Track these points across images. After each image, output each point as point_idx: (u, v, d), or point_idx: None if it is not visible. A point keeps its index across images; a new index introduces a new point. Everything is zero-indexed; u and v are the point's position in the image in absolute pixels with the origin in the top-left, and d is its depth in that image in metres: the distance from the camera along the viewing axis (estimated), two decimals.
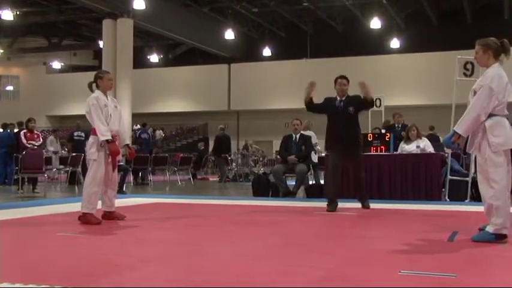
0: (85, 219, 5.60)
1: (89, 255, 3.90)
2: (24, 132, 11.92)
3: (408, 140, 9.36)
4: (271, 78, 28.17)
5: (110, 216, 5.94)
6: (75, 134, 14.80)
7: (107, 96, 5.84)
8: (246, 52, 29.59)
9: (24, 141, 11.75)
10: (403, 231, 5.20)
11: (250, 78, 28.48)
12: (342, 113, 7.42)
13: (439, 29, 25.93)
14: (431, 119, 18.74)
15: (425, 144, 9.29)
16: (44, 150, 12.88)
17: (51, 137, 16.65)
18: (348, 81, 7.62)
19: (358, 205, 7.50)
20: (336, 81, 7.68)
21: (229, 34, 26.04)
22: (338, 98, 7.58)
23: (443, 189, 8.74)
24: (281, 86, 27.86)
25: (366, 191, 7.65)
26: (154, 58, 31.01)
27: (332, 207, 7.10)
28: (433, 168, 8.78)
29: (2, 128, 14.60)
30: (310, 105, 7.68)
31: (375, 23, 24.13)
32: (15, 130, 14.01)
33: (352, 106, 7.44)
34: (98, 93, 5.82)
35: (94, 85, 5.90)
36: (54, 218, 6.31)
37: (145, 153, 15.13)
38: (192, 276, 3.21)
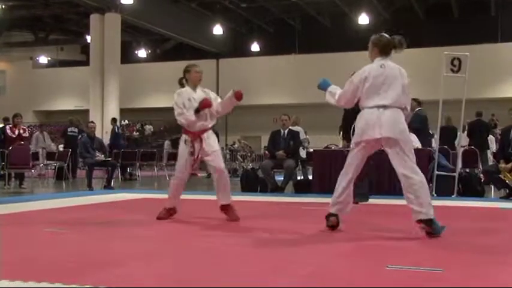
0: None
1: (75, 252, 3.85)
2: (10, 127, 11.72)
3: None
4: (259, 73, 28.13)
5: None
6: (69, 129, 14.70)
7: (195, 90, 5.55)
8: (234, 47, 29.53)
9: (10, 132, 11.52)
10: (390, 226, 5.19)
11: (239, 73, 28.36)
12: None
13: (426, 25, 26.06)
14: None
15: (412, 140, 9.01)
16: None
17: (36, 133, 16.27)
18: None
19: None
20: None
21: (218, 29, 26.04)
22: None
23: (431, 184, 8.72)
24: (269, 82, 27.84)
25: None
26: (142, 53, 30.94)
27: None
28: (420, 164, 8.15)
29: None
30: None
31: (363, 19, 24.20)
32: (0, 125, 13.66)
33: None
34: (185, 88, 5.58)
35: (184, 80, 5.66)
36: (41, 214, 6.26)
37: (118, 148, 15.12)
38: (178, 274, 3.20)
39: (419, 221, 4.34)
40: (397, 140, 4.38)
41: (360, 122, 4.51)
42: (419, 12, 25.89)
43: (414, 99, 11.20)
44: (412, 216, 4.41)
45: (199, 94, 5.48)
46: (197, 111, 5.36)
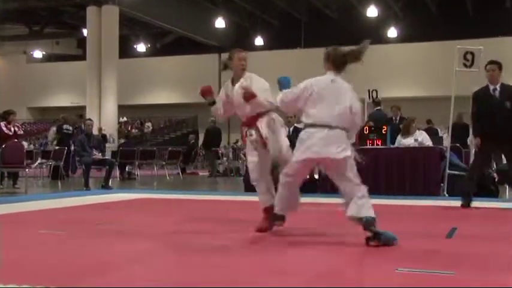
0: None
1: (71, 254, 3.80)
2: (5, 124, 11.48)
3: (406, 134, 9.19)
4: (263, 68, 26.76)
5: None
6: (64, 127, 14.55)
7: (237, 80, 4.82)
8: (237, 41, 28.76)
9: (6, 130, 11.15)
10: (400, 228, 4.99)
11: None
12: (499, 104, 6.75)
13: (438, 18, 25.39)
14: (429, 111, 18.25)
15: (423, 138, 9.21)
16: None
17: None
18: (500, 66, 6.90)
19: None
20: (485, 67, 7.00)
21: (220, 22, 25.64)
22: (491, 87, 6.84)
23: (442, 184, 8.67)
24: (274, 77, 26.62)
25: None
26: (141, 47, 30.55)
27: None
28: (432, 162, 8.70)
29: None
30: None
31: (372, 11, 23.72)
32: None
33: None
34: (229, 81, 4.91)
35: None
36: (35, 215, 6.13)
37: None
38: (179, 276, 3.18)
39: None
40: (334, 160, 4.18)
41: (302, 139, 4.26)
42: (431, 5, 25.16)
43: (373, 100, 11.50)
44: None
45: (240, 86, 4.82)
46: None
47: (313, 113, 4.21)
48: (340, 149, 4.14)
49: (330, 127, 4.15)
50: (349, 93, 4.29)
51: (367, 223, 3.99)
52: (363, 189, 4.21)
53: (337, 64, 4.33)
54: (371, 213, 4.05)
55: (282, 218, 4.57)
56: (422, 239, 4.46)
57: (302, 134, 4.27)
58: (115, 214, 6.22)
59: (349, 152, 4.21)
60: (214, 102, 4.99)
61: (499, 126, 6.57)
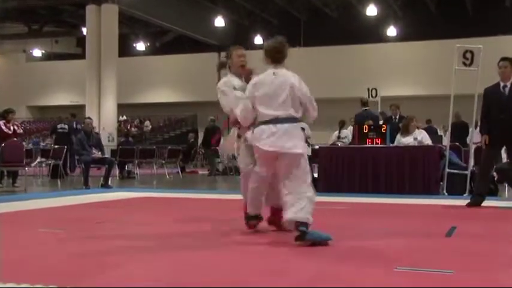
0: None
1: (71, 253, 3.77)
2: (4, 123, 11.47)
3: (406, 132, 9.21)
4: (263, 67, 27.27)
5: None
6: (59, 126, 14.56)
7: (241, 78, 4.70)
8: (237, 40, 28.59)
9: (5, 128, 11.14)
10: (399, 226, 5.17)
11: None
12: (507, 101, 6.70)
13: (437, 17, 25.32)
14: (429, 109, 18.23)
15: (422, 137, 9.20)
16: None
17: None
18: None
19: (352, 199, 7.59)
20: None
21: (219, 21, 25.56)
22: (501, 83, 6.79)
23: (441, 183, 8.70)
24: None
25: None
26: (140, 46, 30.38)
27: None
28: (431, 161, 8.72)
29: None
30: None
31: (371, 10, 23.62)
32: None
33: None
34: (228, 77, 4.72)
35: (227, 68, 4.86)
36: (35, 214, 6.12)
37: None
38: (179, 275, 3.16)
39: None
40: (285, 154, 4.07)
41: (255, 136, 4.21)
42: (430, 4, 25.11)
43: (360, 99, 11.55)
44: None
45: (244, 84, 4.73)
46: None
47: (263, 110, 4.15)
48: (292, 144, 4.06)
49: (279, 120, 4.09)
50: (294, 83, 4.16)
51: (300, 224, 3.93)
52: (309, 191, 4.10)
53: (275, 56, 4.25)
54: (306, 218, 3.96)
55: (256, 218, 4.57)
56: (422, 237, 4.44)
57: (255, 132, 4.20)
58: (114, 213, 6.19)
59: (300, 149, 4.09)
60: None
61: (508, 124, 6.55)
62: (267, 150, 4.11)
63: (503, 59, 6.80)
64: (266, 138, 4.10)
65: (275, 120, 4.10)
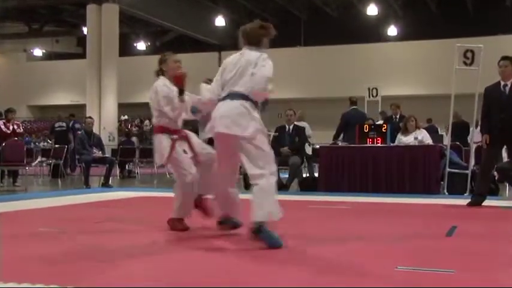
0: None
1: (70, 252, 3.79)
2: (3, 122, 11.51)
3: (406, 132, 9.23)
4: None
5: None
6: (57, 124, 14.58)
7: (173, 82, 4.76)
8: (237, 39, 28.59)
9: (4, 128, 11.17)
10: (400, 226, 5.17)
11: None
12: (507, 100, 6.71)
13: (438, 16, 25.25)
14: (429, 109, 18.23)
15: (423, 136, 9.22)
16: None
17: None
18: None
19: (353, 199, 7.59)
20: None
21: (220, 21, 25.52)
22: (502, 83, 6.81)
23: (442, 182, 8.71)
24: (274, 75, 27.00)
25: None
26: (141, 45, 30.29)
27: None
28: (432, 161, 8.76)
29: None
30: None
31: (372, 10, 23.60)
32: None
33: None
34: (163, 80, 4.77)
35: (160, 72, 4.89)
36: (35, 213, 6.15)
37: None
38: (179, 276, 3.14)
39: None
40: (238, 136, 3.95)
41: (214, 113, 4.11)
42: (431, 3, 25.07)
43: (349, 98, 11.41)
44: None
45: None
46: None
47: (224, 88, 4.13)
48: (242, 128, 3.93)
49: (235, 97, 4.01)
50: (259, 62, 4.09)
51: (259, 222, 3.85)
52: (265, 179, 3.90)
53: (250, 38, 4.24)
54: (266, 216, 3.86)
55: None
56: (422, 237, 4.45)
57: (218, 108, 4.10)
58: (115, 212, 6.18)
59: (251, 130, 3.93)
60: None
61: (508, 123, 6.55)
62: (222, 132, 4.00)
63: (504, 58, 6.81)
64: (221, 117, 4.00)
65: (233, 97, 4.03)
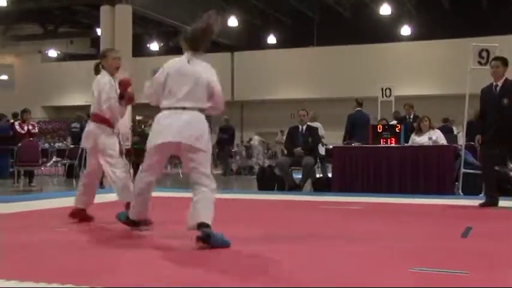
0: None
1: (87, 252, 3.83)
2: (19, 123, 11.54)
3: (420, 132, 9.22)
4: (276, 67, 27.36)
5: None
6: (72, 125, 14.78)
7: (113, 79, 5.08)
8: (250, 40, 28.78)
9: (19, 128, 11.28)
10: (414, 227, 5.11)
11: (254, 67, 27.69)
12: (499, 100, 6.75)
13: (452, 15, 25.05)
14: (444, 109, 18.10)
15: (437, 136, 9.20)
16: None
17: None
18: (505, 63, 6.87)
19: (367, 199, 7.57)
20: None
21: (232, 21, 25.48)
22: (494, 83, 6.85)
23: (457, 183, 8.67)
24: (286, 75, 27.07)
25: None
26: (154, 46, 30.35)
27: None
28: (446, 161, 8.74)
29: None
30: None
31: (385, 9, 23.44)
32: (10, 121, 13.81)
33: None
34: (103, 74, 5.06)
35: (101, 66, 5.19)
36: (51, 213, 6.20)
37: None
38: (193, 276, 3.13)
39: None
40: (190, 146, 3.98)
41: (156, 125, 4.16)
42: (444, 2, 24.90)
43: (356, 100, 11.37)
44: None
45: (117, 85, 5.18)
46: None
47: (167, 96, 4.08)
48: (194, 138, 3.98)
49: (183, 109, 4.01)
50: (208, 73, 4.14)
51: (200, 227, 3.88)
52: (207, 189, 4.01)
53: (193, 43, 4.20)
54: (206, 219, 3.89)
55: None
56: (437, 238, 4.45)
57: (156, 120, 4.15)
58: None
59: (202, 144, 4.00)
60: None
61: (498, 124, 6.55)
62: (164, 142, 4.05)
63: (495, 58, 6.88)
64: (167, 127, 4.04)
65: (181, 108, 4.04)
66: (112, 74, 5.10)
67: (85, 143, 5.09)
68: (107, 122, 5.05)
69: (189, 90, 4.04)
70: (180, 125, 3.98)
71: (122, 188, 4.96)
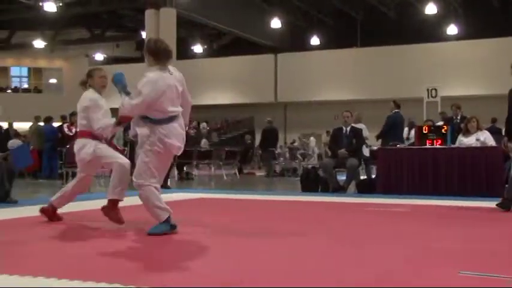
0: None
1: (132, 252, 3.91)
2: (67, 125, 11.81)
3: (467, 133, 9.01)
4: (319, 68, 27.27)
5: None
6: None
7: (101, 95, 5.38)
8: (293, 41, 28.79)
9: (67, 131, 11.57)
10: (463, 229, 5.04)
11: (298, 68, 27.66)
12: None
13: (500, 13, 24.48)
14: (491, 110, 17.62)
15: (485, 137, 8.96)
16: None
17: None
18: None
19: (412, 201, 7.53)
20: None
21: (276, 23, 25.56)
22: None
23: (506, 185, 8.10)
24: (330, 77, 26.94)
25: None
26: (198, 48, 30.69)
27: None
28: (495, 163, 8.49)
29: (45, 122, 14.64)
30: None
31: (431, 8, 23.07)
32: (58, 124, 14.27)
33: None
34: (91, 91, 5.33)
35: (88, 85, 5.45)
36: (99, 213, 6.07)
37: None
38: (235, 276, 3.14)
39: None
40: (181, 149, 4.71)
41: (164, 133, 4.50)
42: (493, 0, 24.28)
43: (394, 101, 11.36)
44: None
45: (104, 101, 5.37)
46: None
47: (168, 107, 4.46)
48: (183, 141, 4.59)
49: (178, 117, 4.54)
50: (183, 82, 4.66)
51: None
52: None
53: (162, 57, 4.52)
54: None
55: None
56: (487, 241, 4.36)
57: (162, 130, 4.45)
58: (174, 213, 6.31)
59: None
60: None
61: None
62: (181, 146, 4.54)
63: None
64: (177, 135, 4.51)
65: (179, 117, 4.57)
66: (99, 93, 5.36)
67: (83, 156, 5.46)
68: (97, 138, 5.31)
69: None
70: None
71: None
